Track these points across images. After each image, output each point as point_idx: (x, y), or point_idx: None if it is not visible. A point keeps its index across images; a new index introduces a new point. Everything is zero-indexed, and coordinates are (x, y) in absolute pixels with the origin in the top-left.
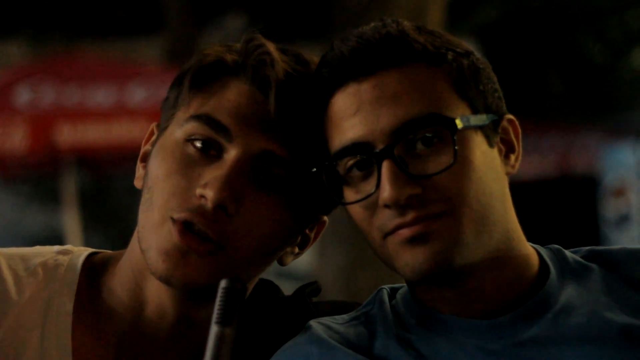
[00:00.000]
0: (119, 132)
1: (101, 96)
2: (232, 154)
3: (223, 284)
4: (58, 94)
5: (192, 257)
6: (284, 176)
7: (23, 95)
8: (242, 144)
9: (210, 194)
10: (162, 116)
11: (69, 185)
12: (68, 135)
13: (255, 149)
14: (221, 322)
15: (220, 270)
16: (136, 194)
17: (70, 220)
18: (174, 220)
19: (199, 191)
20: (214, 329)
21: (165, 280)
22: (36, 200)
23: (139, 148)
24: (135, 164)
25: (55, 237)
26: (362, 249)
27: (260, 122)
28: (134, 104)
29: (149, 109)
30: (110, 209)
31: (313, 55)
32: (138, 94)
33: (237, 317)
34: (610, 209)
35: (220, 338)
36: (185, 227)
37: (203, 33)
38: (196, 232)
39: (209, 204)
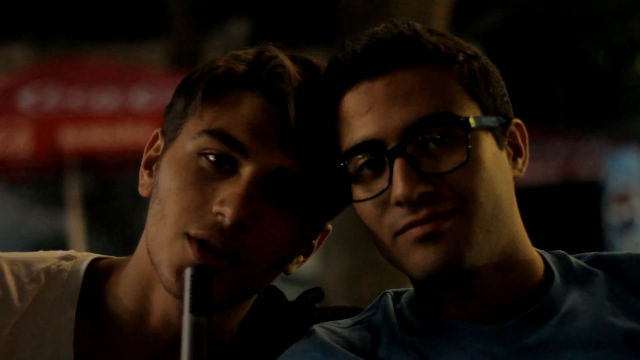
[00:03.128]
0: (123, 135)
1: (105, 100)
2: (247, 170)
3: (189, 272)
4: (62, 97)
5: None
6: (297, 191)
7: (27, 99)
8: (258, 160)
9: (228, 211)
10: (166, 123)
11: (73, 189)
12: (72, 138)
13: (272, 165)
14: (194, 311)
15: (235, 284)
16: (140, 198)
17: (74, 224)
18: (189, 237)
19: (216, 208)
20: (187, 319)
21: (179, 297)
22: (40, 204)
23: (142, 152)
24: (139, 167)
25: (59, 241)
26: (365, 254)
27: (275, 136)
28: (138, 108)
29: (153, 112)
30: (113, 213)
31: (319, 59)
32: (142, 98)
33: (210, 305)
34: (614, 215)
35: (195, 327)
36: (201, 245)
37: (207, 37)
38: (212, 249)
39: (227, 222)
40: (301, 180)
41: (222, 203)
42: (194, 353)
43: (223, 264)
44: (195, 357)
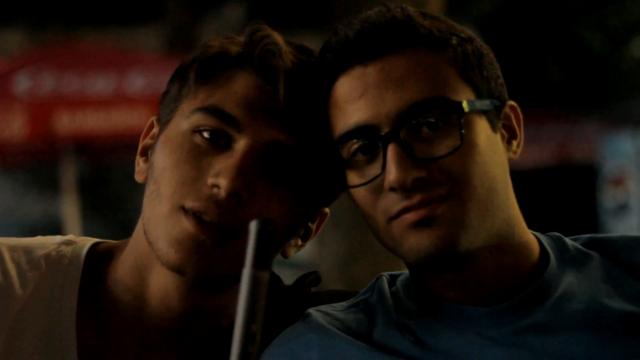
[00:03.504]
0: (118, 120)
1: (100, 84)
2: (242, 144)
3: (254, 225)
4: (57, 81)
5: (206, 246)
6: (292, 166)
7: (22, 83)
8: (252, 134)
9: (223, 182)
10: (162, 110)
11: (68, 173)
12: (67, 123)
13: (265, 139)
14: (256, 265)
15: (233, 259)
16: (135, 182)
17: (69, 208)
18: (185, 210)
19: (211, 180)
20: (248, 273)
21: (178, 269)
22: (35, 188)
23: (137, 136)
24: (134, 152)
25: (54, 225)
26: (361, 237)
27: (268, 112)
28: (133, 92)
29: (148, 97)
30: (109, 197)
31: (314, 46)
32: (137, 82)
33: (271, 262)
34: (609, 197)
35: (255, 281)
36: (198, 218)
37: (202, 21)
38: (208, 222)
39: (223, 193)
40: (295, 154)
41: (217, 175)
42: (250, 308)
43: (221, 236)
44: (252, 312)
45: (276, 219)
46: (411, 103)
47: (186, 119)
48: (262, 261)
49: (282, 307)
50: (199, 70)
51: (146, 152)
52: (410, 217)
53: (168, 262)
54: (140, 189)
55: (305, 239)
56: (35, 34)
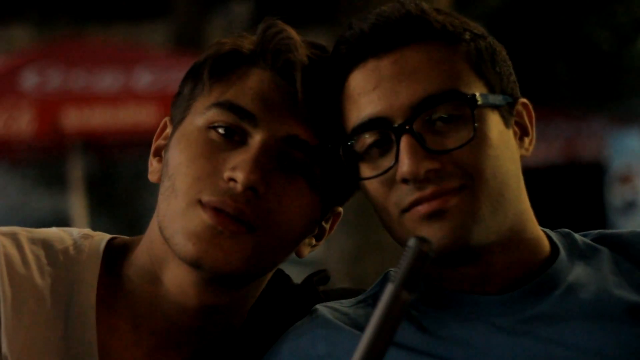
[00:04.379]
0: (125, 116)
1: (107, 80)
2: (257, 138)
3: (411, 242)
4: (64, 78)
5: (224, 239)
6: (307, 160)
7: (29, 80)
8: (267, 128)
9: (240, 176)
10: (174, 110)
11: (75, 170)
12: (74, 119)
13: (281, 133)
14: (404, 285)
15: (251, 253)
16: (142, 179)
17: (77, 204)
18: (202, 204)
19: (227, 174)
20: (392, 289)
21: (196, 263)
22: (42, 184)
23: (145, 132)
24: (141, 148)
25: (62, 221)
26: (368, 233)
27: (284, 106)
28: (140, 89)
29: (155, 93)
30: (116, 193)
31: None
32: (144, 79)
33: (419, 285)
34: (617, 195)
35: (396, 300)
36: (216, 210)
37: (210, 17)
38: (226, 214)
39: (239, 187)
40: (310, 148)
41: (233, 169)
42: (382, 326)
43: (239, 228)
44: (382, 330)
45: (291, 213)
46: (425, 95)
47: (201, 115)
48: (410, 282)
49: (292, 306)
50: (213, 67)
51: (159, 153)
52: (422, 209)
53: (186, 256)
54: (147, 185)
55: (319, 238)
56: (43, 30)
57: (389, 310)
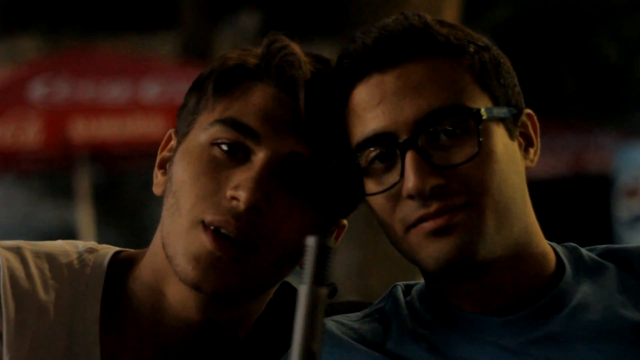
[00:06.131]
0: (133, 127)
1: (115, 91)
2: (260, 156)
3: (312, 241)
4: (72, 89)
5: (224, 263)
6: (310, 178)
7: (37, 90)
8: (270, 146)
9: (243, 195)
10: (179, 123)
11: (83, 181)
12: (82, 130)
13: (284, 151)
14: (315, 282)
15: (252, 274)
16: (150, 190)
17: (84, 216)
18: (205, 225)
19: (230, 193)
20: (307, 289)
21: (196, 286)
22: (50, 195)
23: (152, 144)
24: (148, 159)
25: (68, 232)
26: (375, 247)
27: (287, 123)
28: (148, 100)
29: (163, 104)
30: (123, 205)
31: (328, 55)
32: (152, 90)
33: (329, 277)
34: (623, 208)
35: (314, 297)
36: (216, 234)
37: (217, 29)
38: (227, 237)
39: (242, 206)
40: (314, 166)
41: (236, 188)
42: (310, 326)
43: (239, 252)
44: (311, 330)
45: (294, 230)
46: (429, 110)
47: (204, 131)
48: (320, 277)
49: None
50: (217, 82)
51: (164, 165)
52: (428, 225)
53: (186, 278)
54: (154, 196)
55: None
56: (51, 41)
57: (310, 310)
